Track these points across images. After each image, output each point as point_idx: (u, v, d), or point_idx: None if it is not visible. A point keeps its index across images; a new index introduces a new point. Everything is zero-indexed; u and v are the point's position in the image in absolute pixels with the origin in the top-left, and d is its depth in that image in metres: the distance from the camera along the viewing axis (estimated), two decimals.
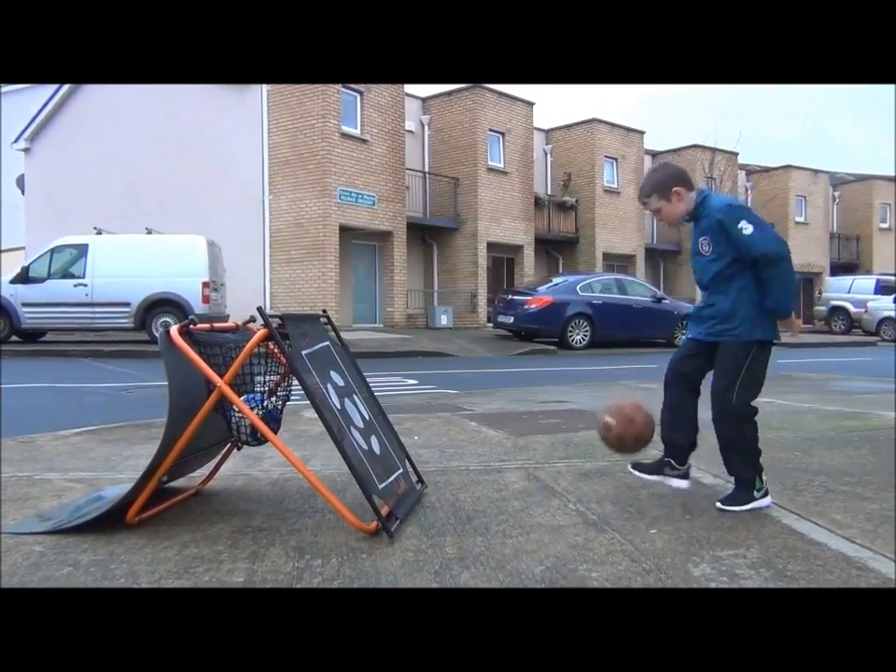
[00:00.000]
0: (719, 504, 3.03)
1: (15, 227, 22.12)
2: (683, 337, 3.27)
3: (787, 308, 2.94)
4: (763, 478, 3.06)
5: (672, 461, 3.15)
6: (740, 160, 28.96)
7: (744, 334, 2.95)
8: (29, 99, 21.78)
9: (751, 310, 2.93)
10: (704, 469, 3.60)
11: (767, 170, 31.68)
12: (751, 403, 3.01)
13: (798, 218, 30.97)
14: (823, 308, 24.98)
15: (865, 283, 24.56)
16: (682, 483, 3.17)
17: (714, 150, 26.44)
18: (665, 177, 3.10)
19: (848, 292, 24.39)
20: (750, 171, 31.66)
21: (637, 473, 3.21)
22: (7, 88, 24.11)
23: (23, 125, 21.52)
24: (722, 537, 2.72)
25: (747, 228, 2.86)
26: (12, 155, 22.06)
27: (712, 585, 2.27)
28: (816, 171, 31.94)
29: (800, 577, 2.32)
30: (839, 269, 31.60)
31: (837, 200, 34.22)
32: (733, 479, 3.11)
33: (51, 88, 20.79)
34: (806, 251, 31.15)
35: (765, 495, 3.06)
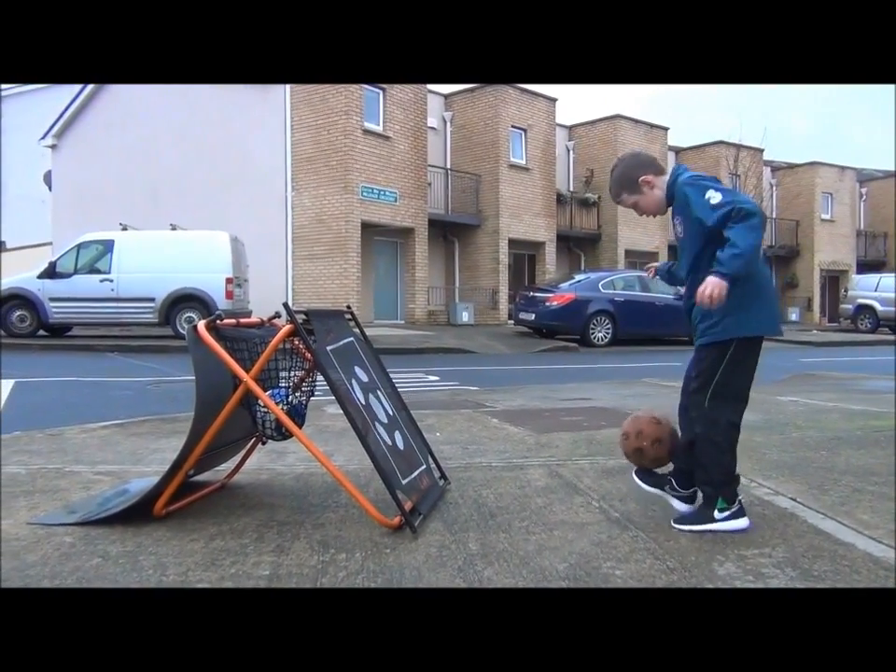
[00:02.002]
0: (672, 521, 2.81)
1: (42, 223, 22.44)
2: None
3: (733, 266, 2.47)
4: (737, 498, 2.76)
5: (673, 481, 2.88)
6: (765, 156, 28.63)
7: (723, 332, 2.63)
8: (56, 96, 22.04)
9: (731, 303, 2.53)
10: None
11: (793, 166, 31.27)
12: (731, 413, 2.70)
13: (824, 216, 30.59)
14: (849, 306, 24.63)
15: (892, 281, 24.15)
16: (682, 506, 2.86)
17: (739, 147, 26.16)
18: (627, 170, 2.82)
19: (875, 290, 24.00)
20: (776, 167, 31.27)
21: (636, 480, 2.95)
22: (33, 85, 24.39)
23: (50, 122, 21.80)
24: (747, 535, 2.69)
25: (714, 196, 2.54)
26: (39, 151, 22.36)
27: (737, 584, 2.26)
28: (843, 167, 31.49)
29: (826, 577, 2.31)
30: (866, 267, 31.17)
31: (864, 197, 33.74)
32: (757, 481, 3.05)
33: (77, 85, 21.03)
34: (833, 249, 30.77)
35: (732, 517, 2.73)
